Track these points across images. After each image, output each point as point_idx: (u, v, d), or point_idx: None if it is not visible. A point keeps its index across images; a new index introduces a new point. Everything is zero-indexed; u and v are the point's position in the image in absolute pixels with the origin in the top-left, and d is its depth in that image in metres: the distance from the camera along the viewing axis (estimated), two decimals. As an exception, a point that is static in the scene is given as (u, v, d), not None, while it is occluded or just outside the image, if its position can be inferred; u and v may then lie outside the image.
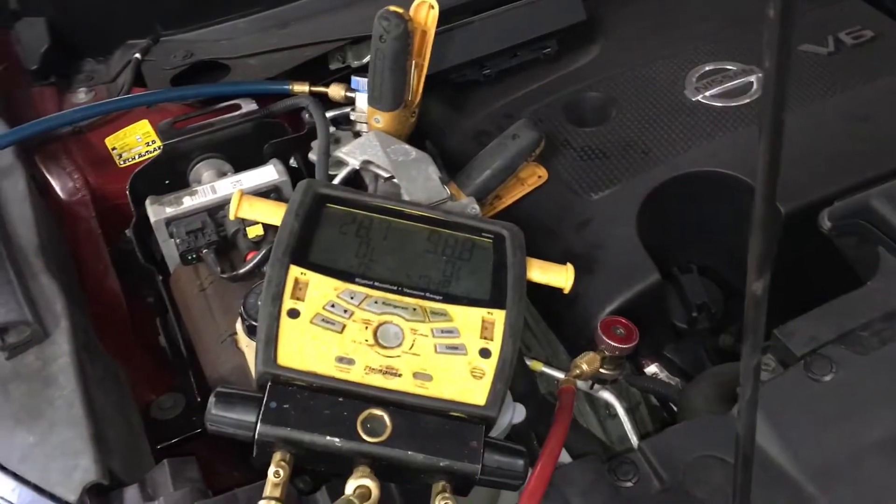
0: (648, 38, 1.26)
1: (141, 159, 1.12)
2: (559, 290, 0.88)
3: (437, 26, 1.05)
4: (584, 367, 0.89)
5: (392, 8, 0.95)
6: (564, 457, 0.80)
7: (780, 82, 0.37)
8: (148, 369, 1.02)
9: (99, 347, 0.90)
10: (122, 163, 1.13)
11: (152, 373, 1.02)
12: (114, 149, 1.14)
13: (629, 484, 0.72)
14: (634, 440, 0.93)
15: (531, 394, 0.93)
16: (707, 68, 1.19)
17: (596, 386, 0.96)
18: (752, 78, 1.16)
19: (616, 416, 0.98)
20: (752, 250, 0.43)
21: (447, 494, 0.68)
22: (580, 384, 0.96)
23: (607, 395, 0.96)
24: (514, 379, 0.90)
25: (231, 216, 0.81)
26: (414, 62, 1.01)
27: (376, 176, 0.99)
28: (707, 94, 1.15)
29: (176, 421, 0.96)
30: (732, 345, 1.11)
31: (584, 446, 0.90)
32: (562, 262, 0.88)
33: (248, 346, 0.83)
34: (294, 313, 0.72)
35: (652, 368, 1.06)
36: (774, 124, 0.38)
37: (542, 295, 1.09)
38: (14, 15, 1.23)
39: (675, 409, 1.01)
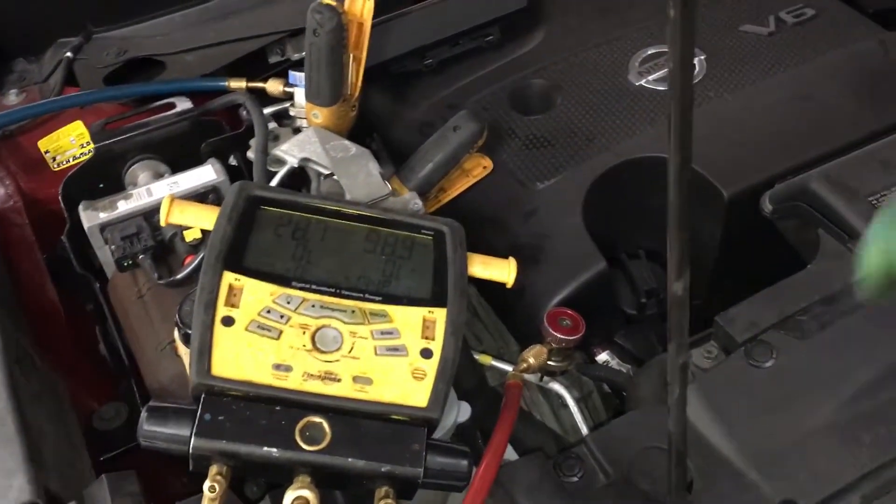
0: (592, 22, 1.25)
1: (76, 162, 1.09)
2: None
3: (375, 17, 1.03)
4: (532, 360, 0.88)
5: (325, 0, 0.93)
6: (511, 454, 0.79)
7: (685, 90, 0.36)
8: (89, 379, 1.00)
9: (34, 360, 0.88)
10: (55, 166, 1.10)
11: (93, 382, 1.00)
12: (47, 152, 1.10)
13: (575, 479, 0.72)
14: (585, 430, 0.93)
15: (480, 388, 0.92)
16: (650, 52, 1.18)
17: (546, 378, 0.96)
18: (694, 60, 1.16)
19: (567, 405, 0.98)
20: (671, 251, 0.42)
21: (390, 500, 0.67)
22: (529, 377, 0.95)
23: (557, 387, 0.96)
24: (462, 374, 0.89)
25: (162, 223, 0.78)
26: (352, 55, 0.99)
27: (318, 173, 0.97)
28: (650, 78, 1.15)
29: (118, 431, 0.93)
30: (682, 329, 1.11)
31: (536, 438, 0.90)
32: (509, 253, 0.87)
33: (185, 354, 0.81)
34: (228, 321, 0.70)
35: (603, 356, 1.06)
36: (683, 123, 0.38)
37: (492, 286, 1.09)
38: (-60, 15, 1.19)
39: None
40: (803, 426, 0.72)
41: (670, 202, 0.41)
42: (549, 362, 0.90)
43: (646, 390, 0.87)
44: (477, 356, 0.97)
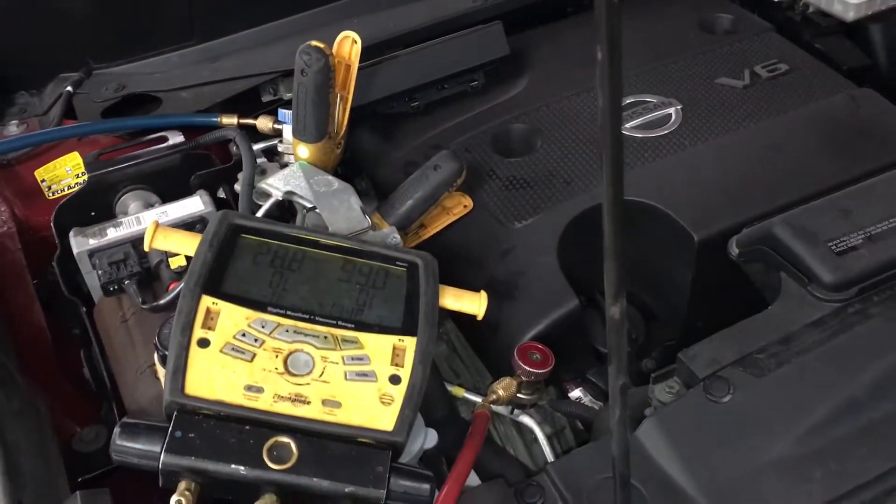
0: (573, 72, 1.30)
1: (70, 191, 1.12)
2: (484, 318, 0.89)
3: (365, 60, 1.07)
4: (501, 392, 0.90)
5: (314, 42, 0.97)
6: (475, 480, 0.81)
7: (615, 115, 0.39)
8: (72, 402, 1.02)
9: (17, 381, 0.90)
10: (51, 195, 1.14)
11: (76, 405, 1.02)
12: (43, 181, 1.14)
13: (535, 506, 0.74)
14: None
15: (451, 419, 0.94)
16: (628, 101, 1.23)
17: (516, 411, 0.98)
18: (671, 110, 1.20)
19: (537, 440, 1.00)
20: (607, 278, 0.45)
21: (352, 520, 0.69)
22: (500, 409, 0.98)
23: (527, 420, 0.98)
24: (434, 404, 0.92)
25: (146, 247, 0.82)
26: (339, 95, 1.03)
27: (303, 206, 1.00)
28: (628, 125, 1.19)
29: (98, 453, 0.95)
30: (654, 368, 1.13)
31: (503, 468, 0.91)
32: (485, 290, 0.90)
33: (162, 378, 0.83)
34: (204, 343, 0.73)
35: (576, 393, 1.08)
36: (614, 157, 0.41)
37: (470, 322, 1.11)
38: (-54, 48, 1.24)
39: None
40: (757, 460, 0.74)
41: (605, 232, 0.44)
42: (518, 395, 0.92)
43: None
44: (450, 388, 0.99)
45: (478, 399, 0.99)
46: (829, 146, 1.13)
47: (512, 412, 0.98)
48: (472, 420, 0.84)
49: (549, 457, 0.95)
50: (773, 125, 1.17)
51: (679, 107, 1.21)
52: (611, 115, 0.40)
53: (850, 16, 1.33)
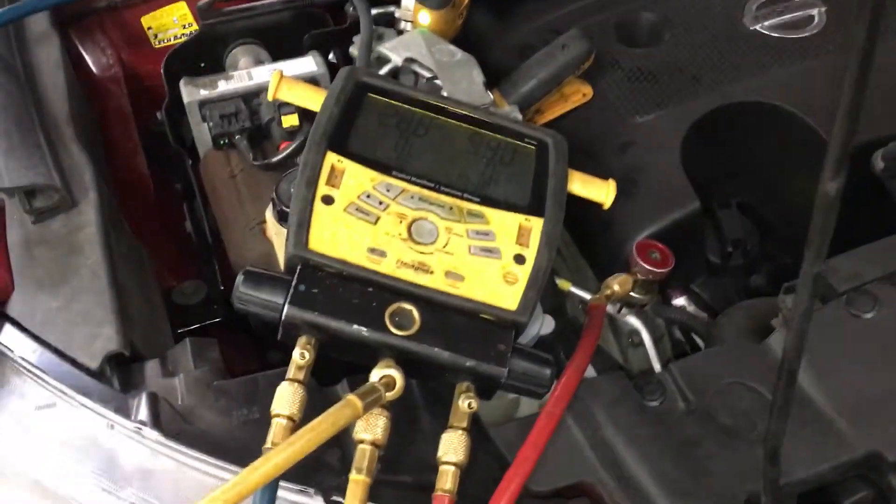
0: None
1: (176, 41, 1.09)
2: (593, 214, 0.85)
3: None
4: (616, 287, 0.86)
5: None
6: (591, 373, 0.78)
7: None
8: (171, 255, 1.01)
9: (124, 225, 0.89)
10: (157, 43, 1.11)
11: (176, 259, 1.01)
12: (149, 28, 1.11)
13: (655, 403, 0.71)
14: (658, 368, 0.92)
15: (558, 312, 0.91)
16: (767, -2, 1.14)
17: (623, 310, 0.95)
18: (814, 11, 1.11)
19: (640, 345, 0.96)
20: (833, 143, 0.40)
21: (471, 395, 0.67)
22: (608, 308, 0.94)
23: (634, 321, 0.94)
24: (542, 295, 0.89)
25: (269, 97, 0.78)
26: (467, -40, 0.97)
27: (417, 76, 0.95)
28: (765, 23, 1.10)
29: (197, 307, 0.94)
30: (764, 286, 1.08)
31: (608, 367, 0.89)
32: (601, 183, 0.85)
33: (276, 234, 0.81)
34: (328, 200, 0.70)
35: (680, 301, 1.04)
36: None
37: (576, 217, 1.06)
38: None
39: (699, 342, 0.99)
40: (898, 381, 0.70)
41: (846, 83, 0.39)
42: (631, 293, 0.89)
43: (729, 332, 0.86)
44: (557, 280, 0.95)
45: (584, 294, 0.96)
46: None
47: (619, 311, 0.94)
48: (587, 312, 0.81)
49: (654, 361, 0.92)
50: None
51: (823, 8, 1.11)
52: None
53: None
